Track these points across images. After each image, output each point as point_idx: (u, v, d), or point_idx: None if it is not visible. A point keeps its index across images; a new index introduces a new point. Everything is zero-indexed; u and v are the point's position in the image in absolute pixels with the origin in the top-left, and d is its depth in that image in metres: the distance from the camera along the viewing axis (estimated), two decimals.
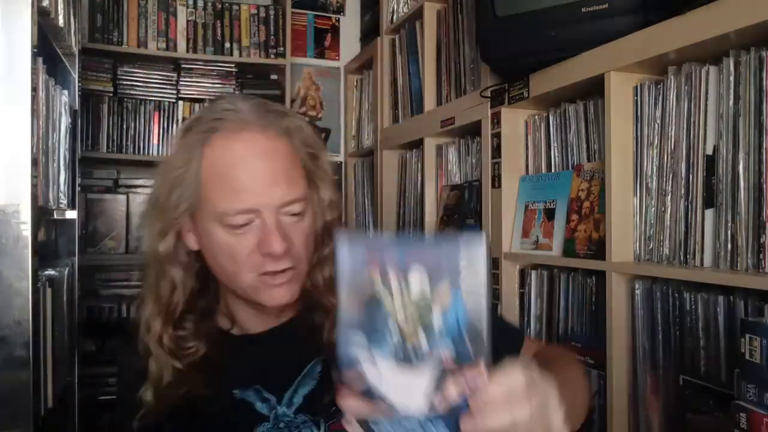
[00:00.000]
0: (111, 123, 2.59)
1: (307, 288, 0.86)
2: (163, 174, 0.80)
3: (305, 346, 0.87)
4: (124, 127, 2.61)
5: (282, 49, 2.80)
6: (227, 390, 0.83)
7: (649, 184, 1.21)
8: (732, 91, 1.05)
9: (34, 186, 1.11)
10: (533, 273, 1.55)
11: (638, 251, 1.23)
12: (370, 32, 2.86)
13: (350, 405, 0.52)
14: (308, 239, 0.82)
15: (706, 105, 1.09)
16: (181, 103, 2.70)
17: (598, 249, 1.30)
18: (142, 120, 2.64)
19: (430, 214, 2.06)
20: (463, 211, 1.84)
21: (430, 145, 2.08)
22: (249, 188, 0.75)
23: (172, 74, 2.71)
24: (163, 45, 2.65)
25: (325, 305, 0.86)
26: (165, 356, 0.81)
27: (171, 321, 0.82)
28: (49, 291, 1.36)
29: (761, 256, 0.99)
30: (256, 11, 2.79)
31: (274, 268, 0.77)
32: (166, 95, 2.69)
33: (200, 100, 2.72)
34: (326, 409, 0.85)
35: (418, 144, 2.16)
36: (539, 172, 1.58)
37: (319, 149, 0.84)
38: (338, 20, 3.12)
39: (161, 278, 0.82)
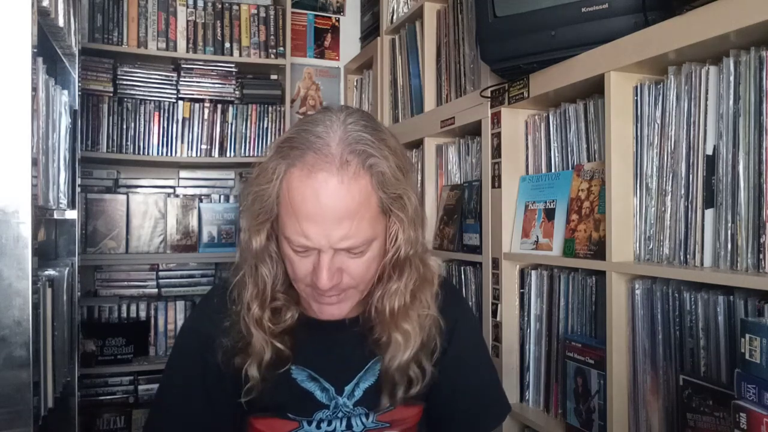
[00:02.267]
0: (111, 123, 2.59)
1: (369, 301, 0.92)
2: (252, 183, 0.84)
3: (369, 342, 0.93)
4: (124, 127, 2.61)
5: (282, 49, 2.80)
6: (288, 372, 0.91)
7: (649, 184, 1.21)
8: (732, 91, 1.05)
9: (34, 186, 1.11)
10: (533, 273, 1.55)
11: (638, 251, 1.23)
12: (370, 32, 2.86)
13: None
14: (368, 269, 0.85)
15: (706, 105, 1.09)
16: (181, 103, 2.69)
17: (598, 249, 1.30)
18: (142, 120, 2.64)
19: (430, 213, 2.06)
20: (463, 211, 1.84)
21: (430, 145, 2.08)
22: (311, 227, 0.78)
23: (172, 74, 2.70)
24: (163, 45, 2.65)
25: (373, 319, 0.92)
26: (264, 335, 0.88)
27: (267, 306, 0.89)
28: (49, 291, 1.36)
29: (761, 256, 0.99)
30: (256, 11, 2.79)
31: (321, 293, 0.84)
32: (166, 95, 2.69)
33: (200, 100, 2.72)
34: (380, 404, 0.94)
35: (418, 144, 2.16)
36: (539, 172, 1.58)
37: (404, 189, 0.83)
38: (338, 20, 3.12)
39: (257, 268, 0.89)
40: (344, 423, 0.94)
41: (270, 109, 2.80)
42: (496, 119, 1.64)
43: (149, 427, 0.97)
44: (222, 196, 2.84)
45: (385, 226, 0.85)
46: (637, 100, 1.23)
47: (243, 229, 0.90)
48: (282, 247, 0.85)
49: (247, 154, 2.76)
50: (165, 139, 2.67)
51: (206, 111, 2.72)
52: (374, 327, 0.93)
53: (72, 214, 1.80)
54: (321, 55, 3.09)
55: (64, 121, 1.62)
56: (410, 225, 0.85)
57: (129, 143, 2.62)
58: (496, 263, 1.64)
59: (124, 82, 2.63)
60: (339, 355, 0.93)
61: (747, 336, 0.82)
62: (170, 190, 2.78)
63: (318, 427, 0.93)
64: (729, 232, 1.05)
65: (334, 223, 0.78)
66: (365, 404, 0.94)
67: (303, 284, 0.86)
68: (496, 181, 1.64)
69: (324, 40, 3.10)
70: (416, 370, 0.92)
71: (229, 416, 0.94)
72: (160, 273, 2.74)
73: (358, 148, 0.79)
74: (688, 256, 1.12)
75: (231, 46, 2.75)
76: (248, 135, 2.77)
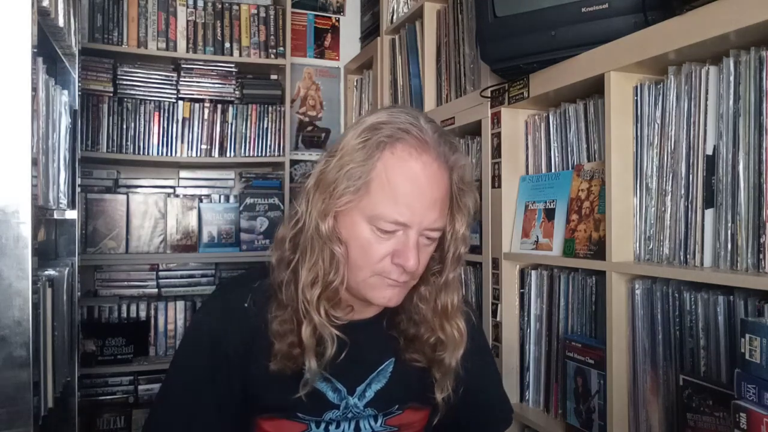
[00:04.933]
0: (111, 123, 2.59)
1: (414, 301, 0.93)
2: (338, 162, 0.83)
3: (384, 344, 0.95)
4: (124, 127, 2.61)
5: (282, 49, 2.80)
6: (302, 372, 0.89)
7: (649, 184, 1.21)
8: (732, 91, 1.05)
9: (34, 186, 1.11)
10: (533, 273, 1.55)
11: (638, 251, 1.23)
12: (370, 32, 2.86)
13: None
14: (427, 259, 0.88)
15: (706, 105, 1.09)
16: (181, 103, 2.69)
17: (598, 249, 1.30)
18: (142, 120, 2.64)
19: None
20: None
21: None
22: (410, 205, 0.82)
23: (172, 74, 2.71)
24: (163, 45, 2.65)
25: (417, 320, 0.93)
26: (325, 322, 0.86)
27: (327, 291, 0.86)
28: (49, 291, 1.36)
29: (761, 256, 0.99)
30: (256, 11, 2.79)
31: (397, 277, 0.85)
32: (166, 95, 2.69)
33: (200, 100, 2.72)
34: (389, 406, 0.95)
35: None
36: (539, 172, 1.58)
37: (469, 188, 0.91)
38: (338, 20, 3.12)
39: (322, 253, 0.85)
40: (352, 426, 0.94)
41: (270, 109, 2.80)
42: (496, 119, 1.64)
43: (152, 422, 0.94)
44: (222, 196, 2.84)
45: (449, 223, 0.90)
46: (637, 100, 1.23)
47: (309, 213, 0.85)
48: (356, 231, 0.83)
49: (247, 154, 2.76)
50: (165, 139, 2.67)
51: (206, 111, 2.72)
52: (406, 326, 0.94)
53: (72, 214, 1.80)
54: (321, 55, 3.09)
55: (64, 121, 1.62)
56: (467, 224, 0.91)
57: (129, 143, 2.62)
58: (496, 263, 1.64)
59: (124, 82, 2.63)
60: (353, 356, 0.92)
61: (747, 336, 0.82)
62: (170, 190, 2.78)
63: (326, 429, 0.92)
64: (729, 232, 1.05)
65: (430, 204, 0.83)
66: (375, 405, 0.94)
67: (371, 271, 0.84)
68: (496, 181, 1.64)
69: (324, 40, 3.10)
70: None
71: (234, 416, 0.93)
72: (160, 273, 2.74)
73: (446, 141, 0.87)
74: (688, 256, 1.12)
75: (231, 46, 2.75)
76: (248, 135, 2.77)
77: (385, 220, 0.82)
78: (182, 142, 2.69)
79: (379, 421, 0.95)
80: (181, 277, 2.76)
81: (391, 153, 0.82)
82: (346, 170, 0.82)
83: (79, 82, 1.89)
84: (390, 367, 0.95)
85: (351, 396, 0.93)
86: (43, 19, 1.31)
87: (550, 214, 1.51)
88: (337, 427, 0.93)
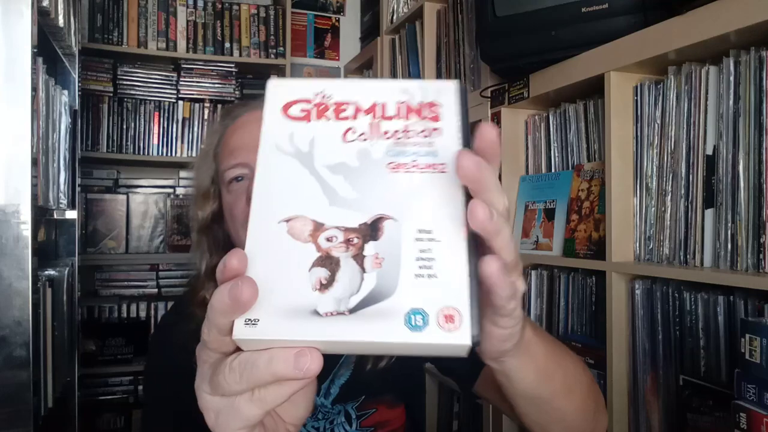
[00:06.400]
0: (111, 123, 2.60)
1: None
2: (200, 152, 0.96)
3: None
4: (124, 127, 2.61)
5: (282, 49, 2.80)
6: None
7: (649, 184, 1.21)
8: (732, 91, 1.05)
9: (34, 186, 1.11)
10: (533, 273, 1.55)
11: (638, 251, 1.23)
12: (370, 32, 2.86)
13: None
14: None
15: (706, 105, 1.09)
16: (181, 103, 2.70)
17: (598, 249, 1.30)
18: (142, 120, 2.64)
19: None
20: None
21: None
22: (242, 147, 0.86)
23: (172, 74, 2.71)
24: (163, 45, 2.65)
25: None
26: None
27: (207, 282, 0.89)
28: (49, 291, 1.36)
29: (761, 256, 0.99)
30: (256, 11, 2.79)
31: None
32: (166, 95, 2.69)
33: (200, 100, 2.72)
34: (356, 396, 0.91)
35: None
36: (539, 172, 1.58)
37: None
38: (338, 20, 3.12)
39: (207, 242, 0.91)
40: (327, 431, 0.90)
41: None
42: (496, 119, 1.64)
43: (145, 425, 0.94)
44: None
45: None
46: (637, 100, 1.23)
47: (194, 207, 0.92)
48: (224, 206, 0.88)
49: None
50: (165, 139, 2.67)
51: (206, 111, 2.72)
52: None
53: (72, 214, 1.80)
54: (321, 55, 3.09)
55: (64, 121, 1.62)
56: None
57: (129, 143, 2.62)
58: None
59: (124, 82, 2.63)
60: None
61: (747, 336, 0.83)
62: (170, 190, 2.78)
63: None
64: (729, 232, 1.05)
65: None
66: (342, 401, 0.90)
67: (242, 230, 0.85)
68: None
69: (324, 40, 3.10)
70: None
71: None
72: (160, 273, 2.74)
73: None
74: (688, 256, 1.12)
75: (231, 46, 2.75)
76: None
77: (228, 169, 0.86)
78: (182, 142, 2.70)
79: (354, 425, 0.91)
80: (181, 277, 2.76)
81: (228, 126, 0.91)
82: (201, 155, 0.93)
83: (79, 82, 1.89)
84: (352, 357, 0.91)
85: (317, 396, 0.89)
86: (43, 19, 1.31)
87: (550, 214, 1.51)
88: None
